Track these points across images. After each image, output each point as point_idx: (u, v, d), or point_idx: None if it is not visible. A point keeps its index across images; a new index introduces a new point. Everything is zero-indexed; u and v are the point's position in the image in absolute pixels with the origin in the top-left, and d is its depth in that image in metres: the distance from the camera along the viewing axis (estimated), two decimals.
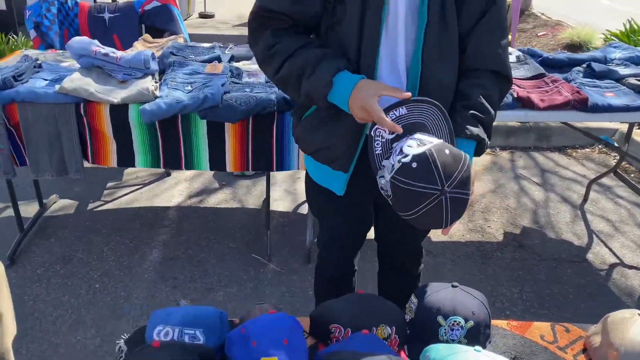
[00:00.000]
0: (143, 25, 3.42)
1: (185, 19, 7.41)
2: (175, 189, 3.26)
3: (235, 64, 2.49)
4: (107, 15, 3.35)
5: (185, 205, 3.08)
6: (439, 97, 1.33)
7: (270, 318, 1.17)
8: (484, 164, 3.64)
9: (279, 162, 2.29)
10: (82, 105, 2.11)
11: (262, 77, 2.34)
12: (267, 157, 2.27)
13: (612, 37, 4.82)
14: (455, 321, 1.24)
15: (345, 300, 1.31)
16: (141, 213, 2.99)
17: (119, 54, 2.22)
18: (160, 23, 3.39)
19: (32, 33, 3.31)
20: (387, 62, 1.33)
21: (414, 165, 1.15)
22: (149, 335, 1.29)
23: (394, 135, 1.26)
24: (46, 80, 2.20)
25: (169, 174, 3.40)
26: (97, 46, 2.20)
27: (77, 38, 2.22)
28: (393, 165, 1.21)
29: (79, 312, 2.25)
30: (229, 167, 2.30)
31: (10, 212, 2.75)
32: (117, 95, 2.11)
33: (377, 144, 1.27)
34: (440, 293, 1.30)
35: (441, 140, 1.21)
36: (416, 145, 1.19)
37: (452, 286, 1.31)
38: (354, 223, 1.61)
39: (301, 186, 3.32)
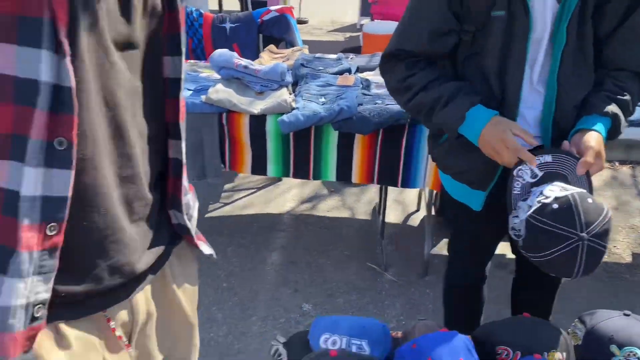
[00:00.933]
0: (261, 35, 3.56)
1: None
2: (288, 195, 3.36)
3: (361, 75, 2.54)
4: (228, 25, 3.51)
5: (299, 211, 3.17)
6: (573, 116, 1.36)
7: (444, 335, 1.19)
8: (603, 179, 3.47)
9: (405, 179, 2.31)
10: (224, 115, 2.23)
11: None
12: (393, 172, 2.30)
13: None
14: (631, 352, 1.20)
15: (512, 321, 1.31)
16: (258, 217, 3.11)
17: (257, 66, 2.33)
18: (277, 32, 3.51)
19: None
20: (527, 85, 1.36)
21: (555, 206, 1.17)
22: (315, 342, 1.35)
23: (535, 180, 1.29)
24: (190, 90, 2.35)
25: (280, 179, 3.51)
26: (237, 59, 2.32)
27: (219, 51, 2.35)
28: (531, 206, 1.23)
29: (210, 309, 2.38)
30: (355, 179, 2.35)
31: None
32: (257, 106, 2.21)
33: (516, 184, 1.31)
34: (612, 321, 1.27)
35: (584, 190, 1.21)
36: (558, 190, 1.22)
37: (624, 314, 1.27)
38: (490, 234, 1.61)
39: (410, 196, 3.32)
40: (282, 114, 2.20)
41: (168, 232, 0.94)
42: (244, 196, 3.33)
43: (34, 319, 0.69)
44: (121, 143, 0.76)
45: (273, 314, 2.36)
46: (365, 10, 7.05)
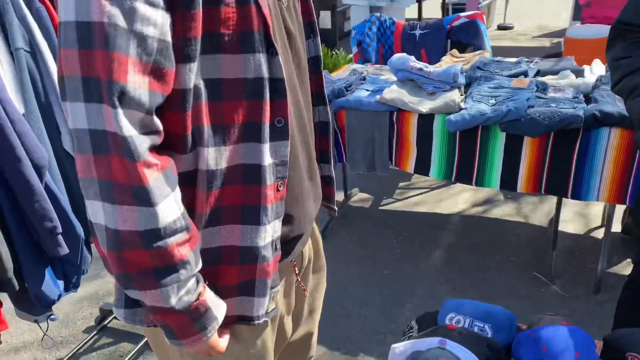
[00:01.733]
0: (449, 40, 3.66)
1: None
2: (460, 196, 3.40)
3: (541, 79, 2.49)
4: (418, 32, 3.69)
5: (469, 214, 3.20)
6: None
7: (564, 329, 1.20)
8: None
9: (576, 189, 2.20)
10: (395, 113, 2.42)
11: (570, 93, 2.28)
12: (563, 180, 2.21)
13: None
14: None
15: None
16: (427, 215, 3.22)
17: (431, 68, 2.47)
18: (465, 38, 3.57)
19: (354, 49, 3.87)
20: None
21: None
22: (441, 319, 1.45)
23: None
24: (368, 90, 2.59)
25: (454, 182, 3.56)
26: (413, 61, 2.48)
27: (397, 55, 2.55)
28: None
29: (369, 290, 2.59)
30: (520, 188, 2.31)
31: None
32: (426, 105, 2.35)
33: None
34: None
35: None
36: None
37: None
38: None
39: (595, 210, 3.09)
40: (450, 113, 2.30)
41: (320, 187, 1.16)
42: (417, 194, 3.47)
43: (275, 249, 0.95)
44: (300, 115, 0.99)
45: (427, 305, 2.47)
46: (577, 14, 6.56)
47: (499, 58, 2.70)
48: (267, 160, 0.87)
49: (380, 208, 3.34)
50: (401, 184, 3.62)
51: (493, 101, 2.27)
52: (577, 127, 2.09)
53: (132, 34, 0.71)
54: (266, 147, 0.86)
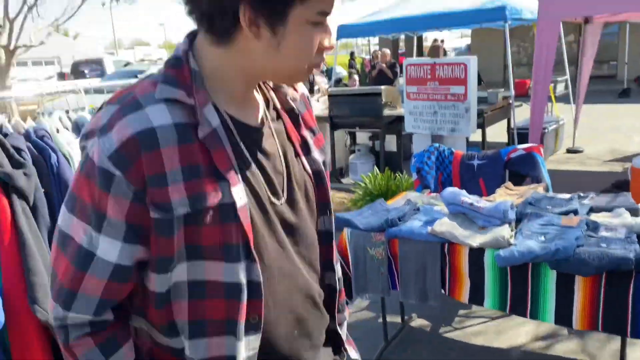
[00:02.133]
0: (507, 171, 3.76)
1: (551, 155, 7.52)
2: (522, 329, 3.30)
3: (594, 216, 2.51)
4: (476, 162, 3.83)
5: (530, 349, 3.09)
6: None
7: None
8: None
9: (636, 328, 2.13)
10: (446, 245, 2.51)
11: (622, 232, 2.29)
12: (621, 320, 2.16)
13: None
14: None
15: None
16: (486, 347, 3.14)
17: (482, 204, 2.57)
18: (523, 169, 3.67)
19: (414, 176, 4.06)
20: None
21: None
22: None
23: None
24: (421, 221, 2.72)
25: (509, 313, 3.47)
26: (464, 196, 2.61)
27: (449, 189, 2.69)
28: None
29: None
30: (576, 324, 2.27)
31: (379, 323, 3.32)
32: (476, 240, 2.43)
33: None
34: None
35: None
36: None
37: None
38: None
39: None
40: (500, 248, 2.36)
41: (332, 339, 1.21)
42: (477, 323, 3.41)
43: None
44: (296, 300, 1.02)
45: None
46: None
47: (551, 194, 2.77)
48: (242, 354, 0.95)
49: (437, 335, 3.30)
50: (461, 311, 3.57)
51: (542, 238, 2.32)
52: (628, 269, 2.07)
53: (93, 257, 0.89)
54: (240, 343, 0.94)
